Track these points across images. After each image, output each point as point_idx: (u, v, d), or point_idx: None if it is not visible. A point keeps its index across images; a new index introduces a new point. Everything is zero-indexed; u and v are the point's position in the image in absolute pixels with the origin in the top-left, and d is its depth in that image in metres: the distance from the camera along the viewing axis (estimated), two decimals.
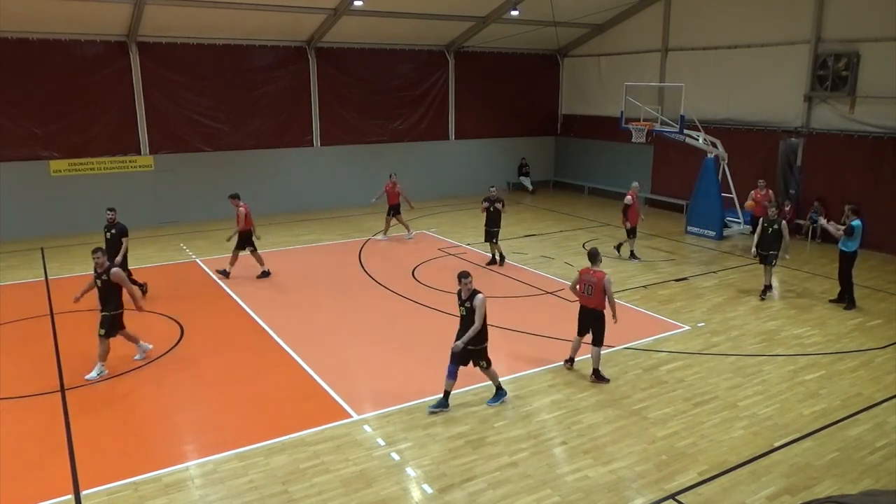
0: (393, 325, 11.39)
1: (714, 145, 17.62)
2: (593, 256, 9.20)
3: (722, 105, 19.44)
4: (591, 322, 9.14)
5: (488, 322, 8.20)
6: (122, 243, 12.01)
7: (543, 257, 15.51)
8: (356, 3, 17.30)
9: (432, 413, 8.17)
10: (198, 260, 15.37)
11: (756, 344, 10.45)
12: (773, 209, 12.73)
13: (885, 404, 8.49)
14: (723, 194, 17.55)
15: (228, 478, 6.91)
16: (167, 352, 10.17)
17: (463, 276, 8.07)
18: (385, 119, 22.27)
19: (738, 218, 17.92)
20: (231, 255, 13.91)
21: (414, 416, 8.14)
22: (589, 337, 9.17)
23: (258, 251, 14.05)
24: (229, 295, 12.86)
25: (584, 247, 16.27)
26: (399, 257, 15.65)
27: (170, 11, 16.93)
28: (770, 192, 15.98)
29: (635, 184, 15.37)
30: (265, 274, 13.94)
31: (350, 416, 8.15)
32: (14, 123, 17.02)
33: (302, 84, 20.66)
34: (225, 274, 13.85)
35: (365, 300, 12.61)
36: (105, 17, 16.77)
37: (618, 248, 15.67)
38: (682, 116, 16.59)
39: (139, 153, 18.72)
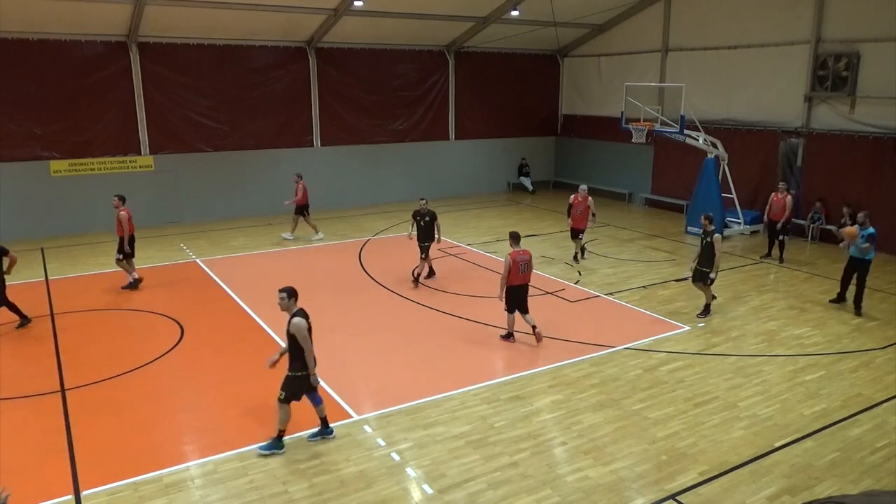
0: (393, 325, 11.39)
1: (714, 145, 17.62)
2: (517, 237, 10.35)
3: (722, 105, 19.43)
4: (525, 296, 10.30)
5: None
6: (2, 264, 11.02)
7: (544, 257, 15.49)
8: (356, 3, 17.29)
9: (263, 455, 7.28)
10: (198, 260, 15.37)
11: (756, 344, 10.45)
12: (703, 219, 11.50)
13: (885, 405, 8.49)
14: (723, 194, 17.54)
15: (229, 478, 6.91)
16: (167, 352, 10.16)
17: (279, 291, 7.34)
18: (385, 119, 22.26)
19: (739, 218, 17.92)
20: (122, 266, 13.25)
21: (414, 416, 8.14)
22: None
23: (132, 260, 13.29)
24: (229, 295, 12.86)
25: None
26: (399, 257, 15.63)
27: (170, 12, 16.93)
28: (788, 196, 14.89)
29: (583, 186, 15.13)
30: (132, 285, 13.08)
31: (350, 417, 8.15)
32: (14, 123, 17.01)
33: (302, 84, 20.66)
34: (133, 284, 13.15)
35: (365, 300, 12.61)
36: (105, 18, 16.76)
37: (576, 256, 15.33)
38: (682, 116, 16.59)
39: (139, 153, 18.71)
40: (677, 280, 13.85)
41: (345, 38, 20.46)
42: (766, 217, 15.44)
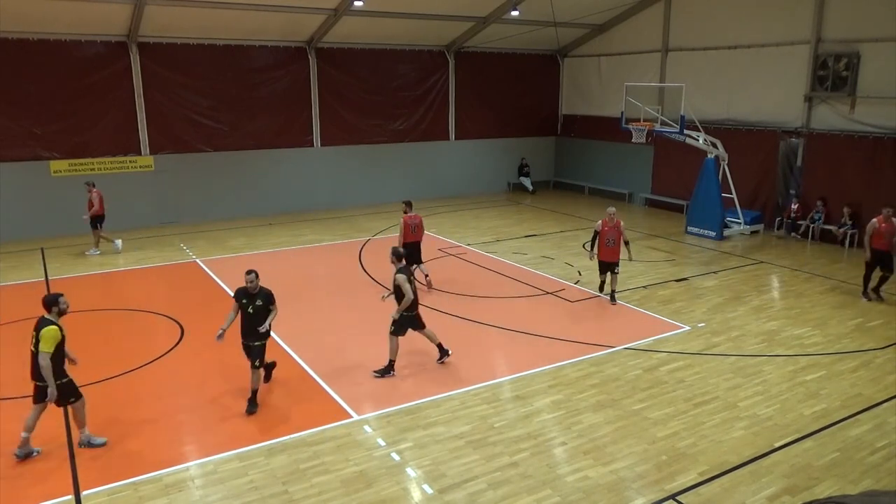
0: None
1: (714, 145, 17.62)
2: (410, 203, 12.77)
3: (722, 105, 19.43)
4: (418, 251, 12.63)
5: None
6: None
7: (544, 257, 15.51)
8: (356, 3, 17.28)
9: None
10: (198, 260, 15.37)
11: (756, 344, 10.45)
12: (394, 258, 9.50)
13: (885, 405, 8.49)
14: (723, 194, 17.54)
15: (229, 478, 6.91)
16: (167, 352, 10.16)
17: None
18: (385, 119, 22.26)
19: (739, 218, 17.92)
20: None
21: (414, 416, 8.14)
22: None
23: None
24: (230, 295, 12.83)
25: (584, 247, 16.25)
26: None
27: (170, 12, 16.93)
28: (894, 221, 12.23)
29: (611, 209, 12.33)
30: None
31: (350, 417, 8.15)
32: (14, 123, 17.00)
33: (302, 84, 20.66)
34: None
35: (365, 300, 12.61)
36: (105, 18, 16.76)
37: (601, 287, 12.65)
38: (682, 116, 16.58)
39: (139, 153, 18.71)
40: (677, 280, 13.84)
41: (345, 38, 20.46)
42: (868, 248, 12.35)
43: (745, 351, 10.18)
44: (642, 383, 9.04)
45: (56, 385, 7.18)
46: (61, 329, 7.31)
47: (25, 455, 7.25)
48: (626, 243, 12.18)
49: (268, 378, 9.00)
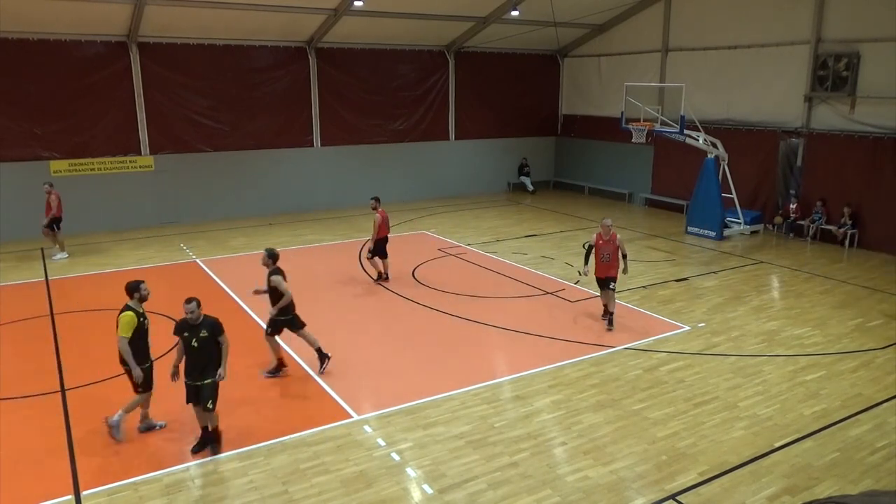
0: (393, 325, 11.40)
1: (714, 145, 17.62)
2: (379, 199, 13.54)
3: (722, 105, 19.43)
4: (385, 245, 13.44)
5: None
6: None
7: (544, 257, 15.51)
8: (356, 3, 17.29)
9: None
10: (198, 260, 15.37)
11: (756, 344, 10.45)
12: (269, 260, 9.31)
13: (885, 405, 8.49)
14: (723, 194, 17.54)
15: (228, 478, 6.91)
16: (167, 352, 10.14)
17: None
18: (385, 119, 22.26)
19: (739, 218, 17.92)
20: None
21: (414, 416, 8.14)
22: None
23: None
24: (229, 295, 12.86)
25: (583, 247, 16.24)
26: (399, 257, 15.63)
27: (170, 12, 16.93)
28: None
29: (607, 220, 10.99)
30: None
31: (350, 416, 8.15)
32: (14, 123, 16.99)
33: (302, 84, 20.66)
34: None
35: (365, 300, 12.61)
36: (105, 18, 16.76)
37: (607, 318, 11.12)
38: (682, 116, 16.58)
39: (139, 153, 18.71)
40: (677, 280, 13.85)
41: (345, 38, 20.46)
42: None
43: (745, 351, 10.18)
44: (642, 383, 9.04)
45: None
46: (139, 315, 7.56)
47: (147, 428, 7.85)
48: (624, 256, 10.88)
49: (215, 450, 7.33)
